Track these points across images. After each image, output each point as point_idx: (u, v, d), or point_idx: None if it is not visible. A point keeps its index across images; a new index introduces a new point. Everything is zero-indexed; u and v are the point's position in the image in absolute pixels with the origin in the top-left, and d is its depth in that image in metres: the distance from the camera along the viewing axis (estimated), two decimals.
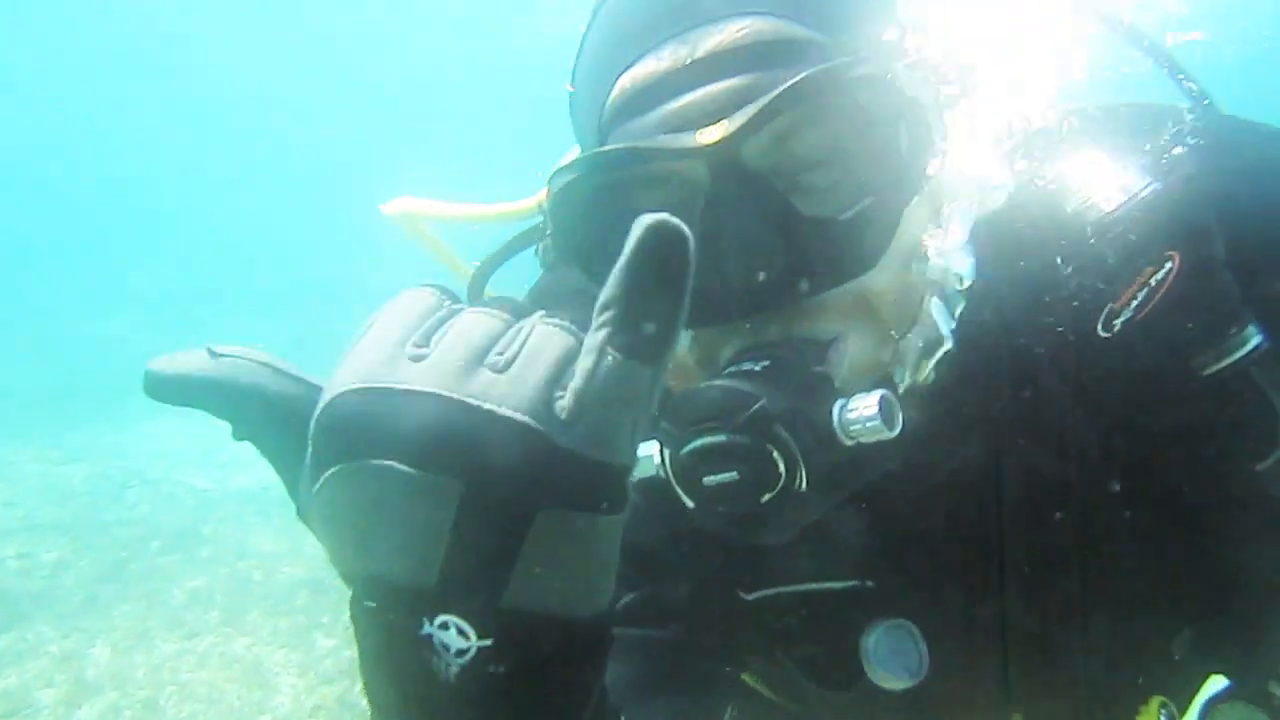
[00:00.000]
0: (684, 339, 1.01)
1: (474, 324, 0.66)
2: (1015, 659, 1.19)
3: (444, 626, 0.63)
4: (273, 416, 0.69)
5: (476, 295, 1.50)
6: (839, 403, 0.89)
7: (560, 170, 1.00)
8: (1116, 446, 1.09)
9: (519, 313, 0.69)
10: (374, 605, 0.65)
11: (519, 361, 0.64)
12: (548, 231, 1.16)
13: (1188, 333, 1.01)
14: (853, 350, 0.95)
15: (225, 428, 0.70)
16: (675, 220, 0.60)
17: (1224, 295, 1.01)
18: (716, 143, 0.91)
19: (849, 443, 0.88)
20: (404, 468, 0.60)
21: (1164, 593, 1.16)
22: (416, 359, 0.64)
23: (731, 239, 0.92)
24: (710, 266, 0.93)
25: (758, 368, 0.91)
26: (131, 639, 5.93)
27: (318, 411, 0.64)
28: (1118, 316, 1.02)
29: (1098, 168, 1.05)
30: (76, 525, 7.95)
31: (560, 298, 1.29)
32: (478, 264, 1.40)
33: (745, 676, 1.36)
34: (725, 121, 0.91)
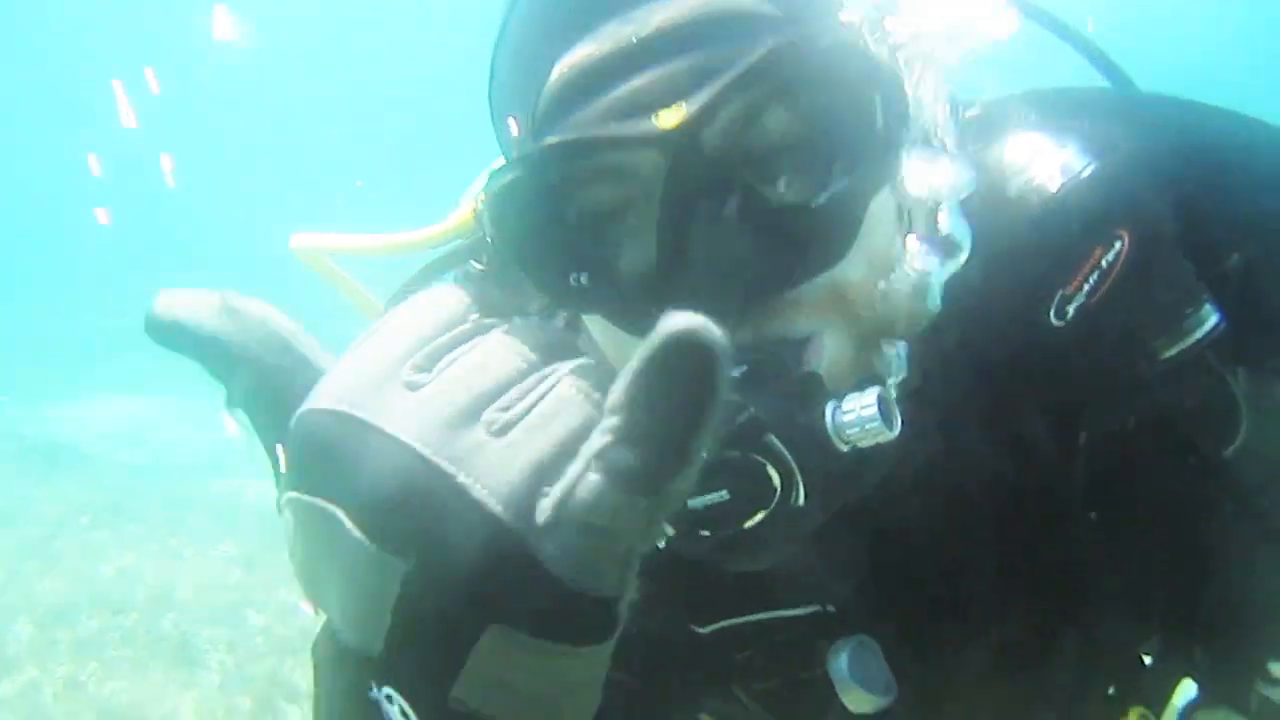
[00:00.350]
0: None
1: (489, 358, 0.60)
2: (988, 674, 1.13)
3: (389, 699, 0.58)
4: (265, 395, 0.63)
5: None
6: (830, 405, 0.81)
7: (498, 172, 0.89)
8: (1077, 444, 1.04)
9: (552, 349, 0.62)
10: (330, 647, 0.61)
11: (522, 425, 0.57)
12: (478, 252, 1.08)
13: (1144, 314, 0.97)
14: (830, 349, 0.87)
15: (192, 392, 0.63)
16: (712, 333, 0.50)
17: (1178, 273, 0.97)
18: (676, 127, 0.82)
19: (844, 448, 0.80)
20: (350, 526, 0.55)
21: (1134, 596, 1.12)
22: (411, 386, 0.58)
23: (694, 235, 0.83)
24: (667, 266, 0.85)
25: (735, 374, 0.81)
26: (54, 615, 5.78)
27: (294, 418, 0.59)
28: (1070, 302, 0.97)
29: (1036, 149, 1.00)
30: (2, 499, 7.75)
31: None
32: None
33: (703, 718, 1.26)
34: (683, 104, 0.82)
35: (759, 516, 0.79)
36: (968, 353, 0.99)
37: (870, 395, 0.80)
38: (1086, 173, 0.97)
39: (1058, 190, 0.97)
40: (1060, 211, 0.97)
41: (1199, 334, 0.96)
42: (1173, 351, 0.97)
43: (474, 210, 1.20)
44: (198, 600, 6.03)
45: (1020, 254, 0.97)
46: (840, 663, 1.06)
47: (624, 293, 0.89)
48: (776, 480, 0.78)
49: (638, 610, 1.02)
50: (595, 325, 0.96)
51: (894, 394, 0.84)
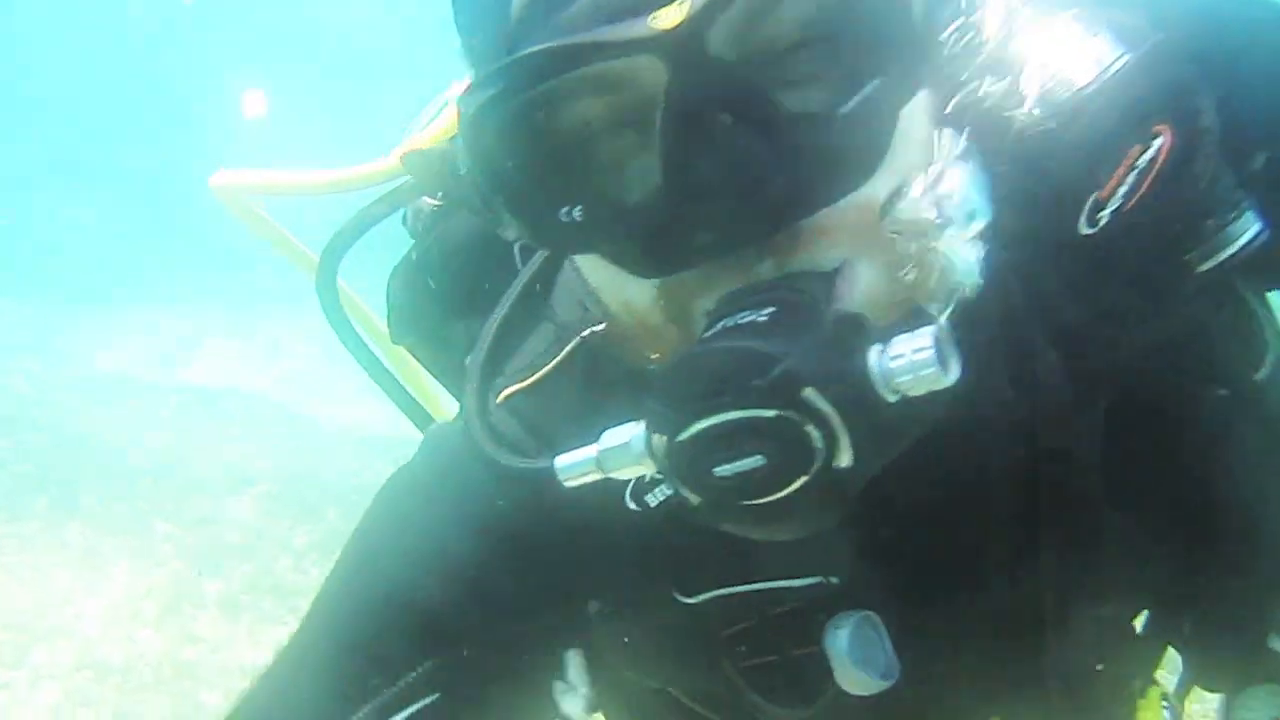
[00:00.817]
0: (647, 292, 0.82)
1: None
2: (991, 653, 1.03)
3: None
4: None
5: (329, 281, 1.31)
6: (875, 349, 0.71)
7: (474, 87, 0.79)
8: (1099, 385, 0.95)
9: None
10: None
11: None
12: (429, 188, 1.04)
13: (1183, 221, 0.87)
14: (864, 281, 0.77)
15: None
16: None
17: (1221, 174, 0.87)
18: (676, 27, 0.71)
19: (892, 398, 0.71)
20: None
21: (1141, 568, 1.04)
22: None
23: (702, 153, 0.73)
24: (675, 192, 0.75)
25: (762, 317, 0.72)
26: None
27: None
28: (1103, 208, 0.86)
29: (1063, 41, 0.88)
30: None
31: (466, 271, 1.15)
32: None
33: (675, 692, 1.14)
34: (682, 0, 0.71)
35: (798, 483, 0.70)
36: (988, 274, 0.85)
37: (924, 336, 0.70)
38: (1121, 63, 0.86)
39: (1090, 83, 0.86)
40: (1093, 107, 0.86)
41: (1242, 241, 0.87)
42: (1212, 263, 0.88)
43: (400, 159, 1.09)
44: (103, 510, 5.97)
45: (1048, 156, 0.87)
46: (839, 640, 0.95)
47: (624, 227, 0.79)
48: (818, 441, 0.69)
49: (621, 580, 1.01)
50: (590, 266, 0.88)
51: (948, 332, 0.72)
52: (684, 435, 0.72)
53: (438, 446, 1.13)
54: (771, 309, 0.73)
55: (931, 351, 0.69)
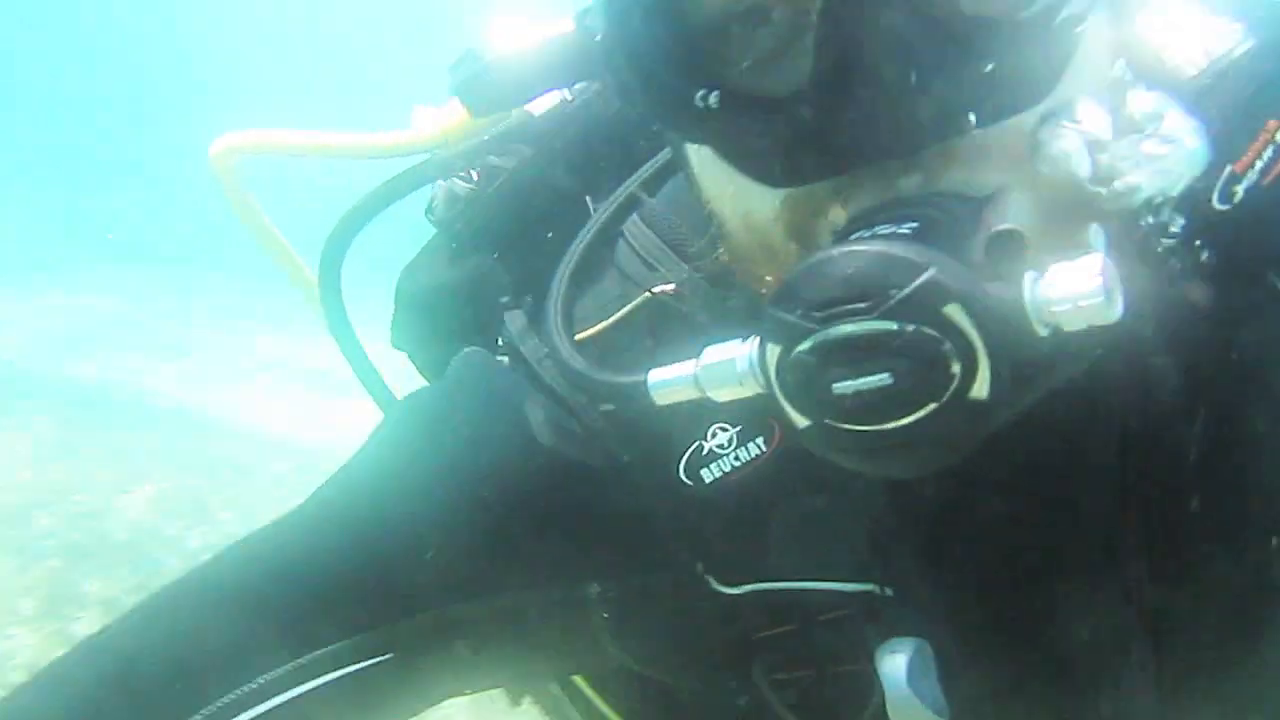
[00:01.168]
0: (771, 203, 0.75)
1: None
2: (1056, 699, 0.91)
3: None
4: None
5: (333, 271, 1.17)
6: (1029, 275, 0.64)
7: None
8: (1210, 376, 0.85)
9: None
10: None
11: None
12: (472, 165, 0.97)
13: None
14: (1017, 213, 0.69)
15: None
16: None
17: None
18: None
19: (1044, 331, 0.64)
20: None
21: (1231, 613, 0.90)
22: None
23: (862, 45, 0.65)
24: (827, 86, 0.67)
25: (903, 229, 0.65)
26: None
27: None
28: (1239, 181, 0.80)
29: (1192, 20, 0.83)
30: None
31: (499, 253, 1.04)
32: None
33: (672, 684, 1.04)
34: None
35: (927, 409, 0.64)
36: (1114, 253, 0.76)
37: (1091, 263, 0.63)
38: (1253, 39, 0.82)
39: (1222, 57, 0.81)
40: (1228, 79, 0.81)
41: None
42: None
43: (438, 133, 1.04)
44: None
45: (1196, 112, 0.78)
46: (896, 665, 0.84)
47: (762, 122, 0.72)
48: (956, 365, 0.63)
49: (651, 559, 0.89)
50: (709, 175, 0.81)
51: (1115, 272, 0.64)
52: (804, 346, 0.65)
53: (479, 372, 0.99)
54: (913, 224, 0.66)
55: (1100, 279, 0.62)
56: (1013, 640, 0.90)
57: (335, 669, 0.88)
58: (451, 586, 0.91)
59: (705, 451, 0.85)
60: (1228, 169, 0.80)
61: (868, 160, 0.69)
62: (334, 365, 1.25)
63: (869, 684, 0.87)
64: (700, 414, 0.84)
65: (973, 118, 0.68)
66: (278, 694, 0.86)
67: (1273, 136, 0.81)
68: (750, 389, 0.72)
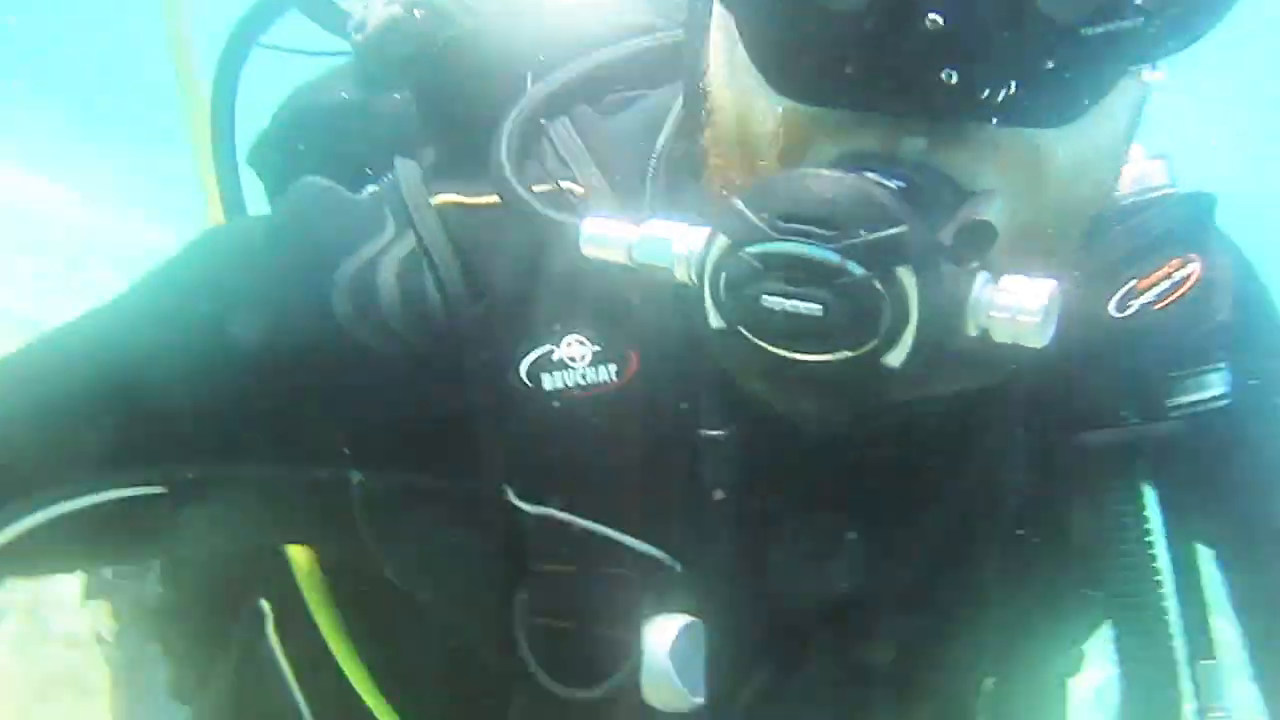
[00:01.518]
0: (772, 114, 0.74)
1: None
2: (832, 702, 0.92)
3: None
4: None
5: (230, 76, 1.20)
6: (982, 275, 0.65)
7: None
8: (1062, 444, 0.90)
9: None
10: None
11: None
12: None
13: (1182, 345, 0.88)
14: (997, 220, 0.69)
15: None
16: None
17: (1225, 325, 0.88)
18: None
19: (974, 331, 0.65)
20: None
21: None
22: None
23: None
24: (883, 14, 0.66)
25: (890, 182, 0.65)
26: None
27: None
28: (1138, 297, 0.86)
29: (1134, 151, 0.88)
30: None
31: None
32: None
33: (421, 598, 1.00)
34: None
35: (840, 354, 0.64)
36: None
37: (1044, 286, 0.64)
38: (1176, 191, 0.90)
39: (1148, 189, 0.89)
40: (1152, 207, 0.89)
41: (1209, 393, 0.88)
42: (1184, 399, 0.88)
43: None
44: None
45: (1102, 235, 0.85)
46: (665, 637, 0.83)
47: (801, 21, 0.69)
48: (884, 325, 0.63)
49: (435, 454, 0.86)
50: (719, 56, 0.78)
51: (1059, 305, 0.66)
52: (755, 249, 0.64)
53: (307, 216, 0.93)
54: (900, 183, 0.65)
55: (1043, 303, 0.63)
56: (789, 645, 0.90)
57: (103, 490, 0.88)
58: (205, 441, 0.88)
59: (555, 358, 0.83)
60: (1130, 283, 0.87)
61: (889, 103, 0.68)
62: None
63: (623, 654, 0.85)
64: (566, 318, 0.84)
65: (1000, 105, 0.67)
66: (43, 508, 0.87)
67: (1172, 273, 0.87)
68: (680, 273, 0.70)
